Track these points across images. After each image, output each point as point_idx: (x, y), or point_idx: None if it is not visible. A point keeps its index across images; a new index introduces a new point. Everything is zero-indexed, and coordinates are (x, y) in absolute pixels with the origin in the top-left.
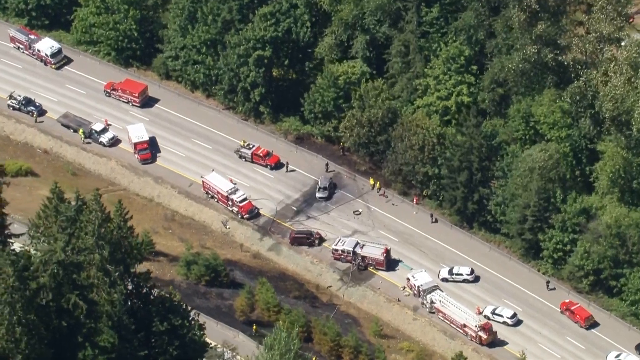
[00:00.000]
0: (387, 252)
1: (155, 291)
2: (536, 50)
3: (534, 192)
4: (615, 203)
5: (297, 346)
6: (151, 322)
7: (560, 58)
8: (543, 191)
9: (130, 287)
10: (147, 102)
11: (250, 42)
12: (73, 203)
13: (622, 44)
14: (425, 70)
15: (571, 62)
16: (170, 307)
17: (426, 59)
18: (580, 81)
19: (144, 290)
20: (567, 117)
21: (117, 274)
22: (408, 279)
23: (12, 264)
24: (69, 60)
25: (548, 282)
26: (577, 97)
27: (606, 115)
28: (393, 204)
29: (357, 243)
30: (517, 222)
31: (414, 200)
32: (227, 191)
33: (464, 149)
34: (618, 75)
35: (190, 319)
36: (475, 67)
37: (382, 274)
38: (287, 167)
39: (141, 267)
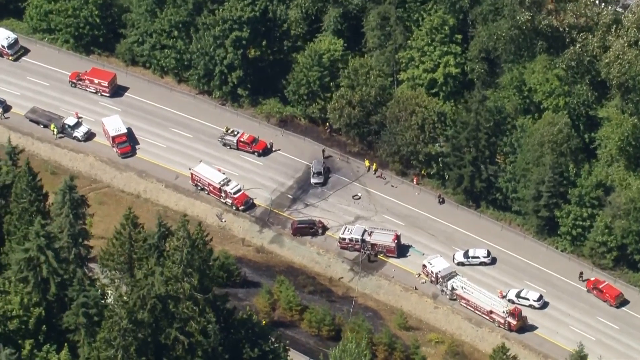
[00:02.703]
0: (398, 237)
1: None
2: (530, 17)
3: (548, 167)
4: (622, 171)
5: (368, 358)
6: (239, 348)
7: (555, 24)
8: (557, 165)
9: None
10: (117, 91)
11: (227, 22)
12: (153, 229)
13: (630, 5)
14: (409, 42)
15: (566, 27)
16: (259, 331)
17: (407, 30)
18: (577, 46)
19: (224, 313)
20: (564, 84)
21: (205, 302)
22: (424, 266)
23: (124, 305)
24: (26, 51)
25: (581, 273)
26: (574, 63)
27: (613, 82)
28: (393, 186)
29: (365, 230)
30: (532, 199)
31: (414, 180)
32: (219, 183)
33: (471, 126)
34: (622, 39)
35: (278, 342)
36: (459, 37)
37: (394, 261)
38: (271, 147)
39: None
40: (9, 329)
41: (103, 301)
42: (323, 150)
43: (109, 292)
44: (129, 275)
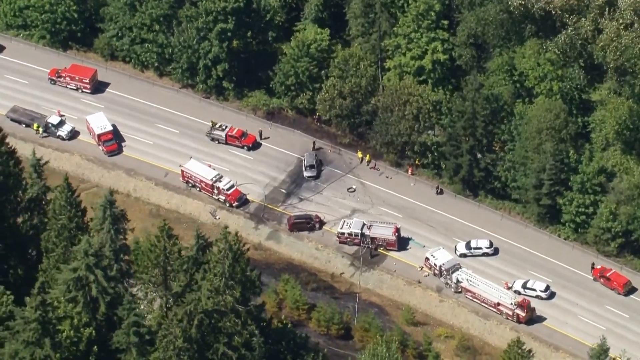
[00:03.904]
0: (398, 230)
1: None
2: (522, 2)
3: (549, 154)
4: (619, 155)
5: None
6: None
7: (548, 7)
8: (558, 152)
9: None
10: (98, 87)
11: (212, 14)
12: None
13: None
14: (394, 29)
15: (559, 11)
16: (300, 341)
17: (392, 17)
18: (569, 30)
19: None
20: (556, 68)
21: (247, 314)
22: (427, 259)
23: (178, 323)
24: (1, 48)
25: (593, 264)
26: (567, 47)
27: (610, 66)
28: (387, 177)
29: (364, 224)
30: (533, 187)
31: (409, 171)
32: (212, 179)
33: (468, 115)
34: (617, 21)
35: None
36: (446, 22)
37: (394, 254)
38: (260, 135)
39: None
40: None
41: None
42: (314, 142)
43: (142, 306)
44: (164, 288)
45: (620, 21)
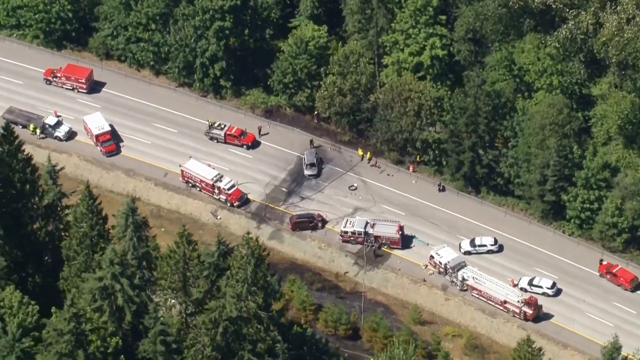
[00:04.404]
0: (402, 228)
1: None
2: None
3: (553, 150)
4: (621, 150)
5: None
6: None
7: (548, 1)
8: (562, 148)
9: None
10: (94, 87)
11: (209, 12)
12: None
13: None
14: (392, 25)
15: (560, 5)
16: (322, 346)
17: (389, 12)
18: (570, 24)
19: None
20: (556, 63)
21: (269, 320)
22: (432, 257)
23: (208, 332)
24: None
25: (602, 260)
26: (567, 41)
27: (613, 60)
28: (389, 174)
29: (367, 222)
30: (537, 183)
31: (410, 168)
32: (212, 179)
33: (470, 111)
34: (618, 15)
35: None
36: (443, 17)
37: (398, 252)
38: (259, 131)
39: None
40: None
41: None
42: (311, 141)
43: (161, 312)
44: (183, 294)
45: (622, 15)
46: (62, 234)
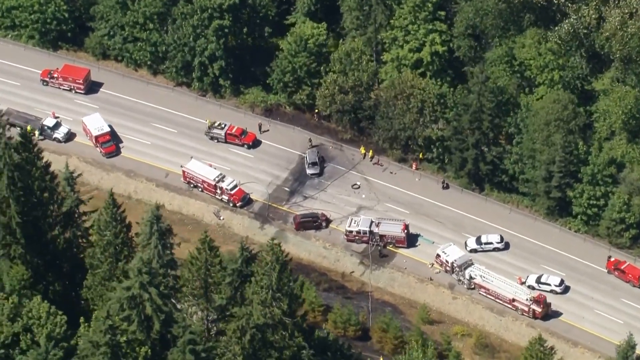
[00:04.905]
0: (407, 227)
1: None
2: None
3: (559, 146)
4: (625, 145)
5: None
6: None
7: None
8: (568, 144)
9: None
10: (91, 87)
11: (207, 11)
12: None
13: None
14: (391, 21)
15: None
16: (346, 352)
17: (388, 9)
18: (572, 19)
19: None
20: (557, 58)
21: (294, 326)
22: (438, 255)
23: (238, 341)
24: None
25: (610, 256)
26: (569, 36)
27: (617, 55)
28: (391, 172)
29: (372, 221)
30: (542, 179)
31: (413, 166)
32: (215, 179)
33: (474, 108)
34: (621, 9)
35: None
36: (443, 13)
37: (404, 251)
38: (260, 128)
39: None
40: None
41: None
42: (309, 140)
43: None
44: (205, 300)
45: (626, 10)
46: (80, 241)
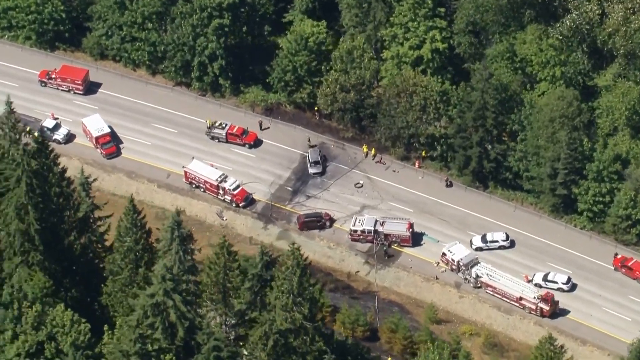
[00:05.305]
0: (412, 226)
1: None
2: None
3: (564, 143)
4: (628, 141)
5: None
6: None
7: None
8: (572, 141)
9: None
10: (90, 87)
11: (207, 10)
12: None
13: None
14: (390, 19)
15: None
16: (367, 356)
17: (387, 6)
18: (574, 14)
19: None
20: (559, 54)
21: (315, 330)
22: (444, 254)
23: (264, 347)
24: None
25: (616, 253)
26: (571, 32)
27: (620, 52)
28: (394, 171)
29: (377, 220)
30: (547, 177)
31: (416, 164)
32: (217, 179)
33: (477, 105)
34: (624, 5)
35: None
36: (443, 10)
37: (409, 250)
38: (260, 125)
39: None
40: None
41: None
42: (308, 139)
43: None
44: (223, 305)
45: (629, 5)
46: (95, 246)
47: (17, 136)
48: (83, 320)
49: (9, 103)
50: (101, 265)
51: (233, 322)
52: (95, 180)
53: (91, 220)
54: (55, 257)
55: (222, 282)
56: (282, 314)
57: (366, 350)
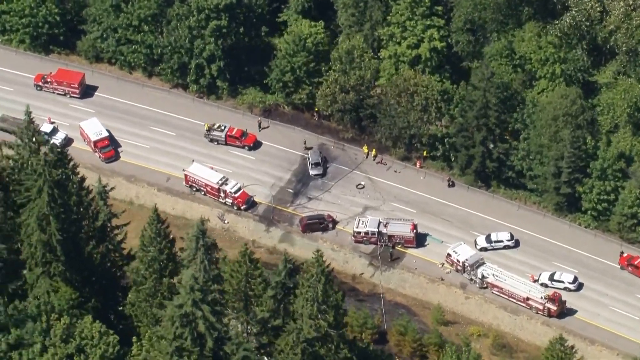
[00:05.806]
0: (415, 227)
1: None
2: None
3: (567, 142)
4: (630, 138)
5: None
6: None
7: None
8: (576, 139)
9: None
10: (86, 91)
11: (204, 12)
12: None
13: None
14: (388, 18)
15: None
16: None
17: (384, 5)
18: (574, 11)
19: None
20: (558, 51)
21: (339, 338)
22: (449, 255)
23: (295, 357)
24: None
25: (622, 252)
26: (571, 29)
27: (623, 49)
28: (395, 171)
29: (380, 222)
30: (551, 175)
31: (417, 164)
32: (218, 182)
33: (479, 104)
34: (625, 1)
35: None
36: (440, 8)
37: (413, 251)
38: (259, 125)
39: None
40: None
41: None
42: (304, 142)
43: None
44: (245, 313)
45: (630, 2)
46: (113, 255)
47: (37, 146)
48: (111, 332)
49: (28, 113)
50: (118, 274)
51: (255, 330)
52: (113, 189)
53: (108, 229)
54: (76, 268)
55: (244, 290)
56: (309, 322)
57: (388, 356)
